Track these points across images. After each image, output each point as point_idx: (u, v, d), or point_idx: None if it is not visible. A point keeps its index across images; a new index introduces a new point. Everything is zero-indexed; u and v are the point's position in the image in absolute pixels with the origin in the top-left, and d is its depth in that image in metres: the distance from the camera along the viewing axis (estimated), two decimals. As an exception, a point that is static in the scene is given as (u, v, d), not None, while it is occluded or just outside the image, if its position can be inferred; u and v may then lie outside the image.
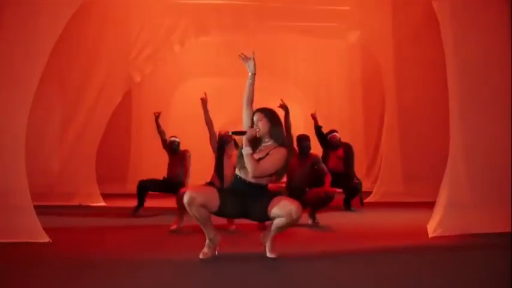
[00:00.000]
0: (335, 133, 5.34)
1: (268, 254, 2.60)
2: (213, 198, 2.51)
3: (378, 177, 6.59)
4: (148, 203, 5.02)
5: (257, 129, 2.57)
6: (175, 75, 8.23)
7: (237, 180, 2.60)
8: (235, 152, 3.62)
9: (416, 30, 6.03)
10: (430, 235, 3.25)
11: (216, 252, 2.66)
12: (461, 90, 3.42)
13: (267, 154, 2.55)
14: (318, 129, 5.34)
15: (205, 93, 3.99)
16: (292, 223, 2.50)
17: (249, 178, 2.56)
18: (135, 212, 4.84)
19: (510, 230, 3.11)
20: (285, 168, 2.59)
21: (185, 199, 2.46)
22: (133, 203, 5.06)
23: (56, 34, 3.38)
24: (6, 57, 3.23)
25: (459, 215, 3.27)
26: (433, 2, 3.56)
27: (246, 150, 2.50)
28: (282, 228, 2.54)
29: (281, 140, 2.60)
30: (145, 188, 4.89)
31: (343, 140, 5.43)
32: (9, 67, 3.23)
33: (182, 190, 3.68)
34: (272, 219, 2.53)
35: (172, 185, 4.90)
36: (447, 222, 3.26)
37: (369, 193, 6.29)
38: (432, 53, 5.86)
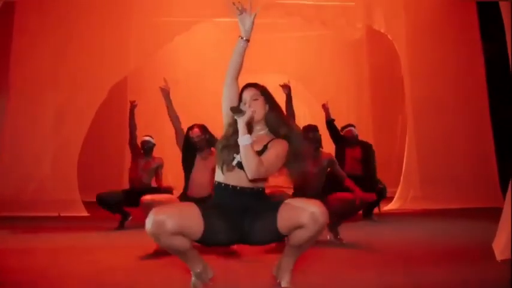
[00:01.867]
0: (351, 128, 4.58)
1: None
2: (193, 219, 1.67)
3: (394, 181, 5.94)
4: (135, 213, 4.20)
5: (254, 110, 1.78)
6: (172, 73, 7.62)
7: (222, 190, 1.78)
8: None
9: (431, 23, 5.56)
10: (499, 258, 2.46)
11: (208, 291, 1.86)
12: None
13: (265, 147, 1.79)
14: (329, 123, 4.58)
15: (164, 80, 3.12)
16: (319, 233, 1.69)
17: (241, 183, 1.76)
18: (120, 227, 3.98)
19: None
20: (297, 166, 1.80)
21: (149, 225, 1.61)
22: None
23: None
24: None
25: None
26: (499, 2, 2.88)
27: (245, 139, 1.69)
28: (305, 246, 1.74)
29: (280, 130, 1.81)
30: (106, 202, 3.90)
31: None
32: None
33: (144, 198, 2.79)
34: (285, 236, 1.72)
35: (136, 196, 3.90)
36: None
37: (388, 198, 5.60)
38: (449, 47, 5.48)
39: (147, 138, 4.26)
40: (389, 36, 6.16)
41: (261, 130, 1.85)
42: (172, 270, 2.34)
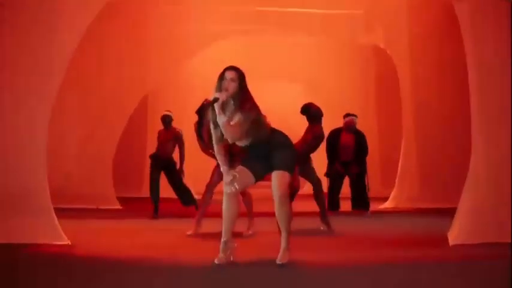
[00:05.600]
0: (353, 117, 5.17)
1: (278, 260, 2.54)
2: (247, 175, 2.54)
3: (393, 182, 6.51)
4: (166, 206, 5.02)
5: (227, 93, 2.43)
6: (191, 79, 8.33)
7: (248, 149, 2.57)
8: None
9: (433, 30, 5.96)
10: (451, 243, 3.17)
11: (231, 258, 2.63)
12: (482, 95, 3.34)
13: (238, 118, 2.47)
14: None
15: None
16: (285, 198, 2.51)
17: (255, 141, 2.52)
18: (154, 215, 4.84)
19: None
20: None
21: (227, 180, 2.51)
22: (148, 206, 5.09)
23: (75, 42, 3.45)
24: (28, 62, 3.29)
25: (482, 223, 3.18)
26: (454, 4, 3.47)
27: (223, 119, 2.42)
28: (283, 220, 2.54)
29: (246, 105, 2.46)
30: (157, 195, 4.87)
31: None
32: (31, 72, 3.29)
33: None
34: None
35: (161, 161, 4.83)
36: (469, 230, 3.18)
37: (384, 198, 6.17)
38: (449, 53, 5.81)
39: (166, 112, 5.07)
40: (388, 52, 6.76)
41: (233, 106, 2.47)
42: (202, 246, 3.14)
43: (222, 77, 2.49)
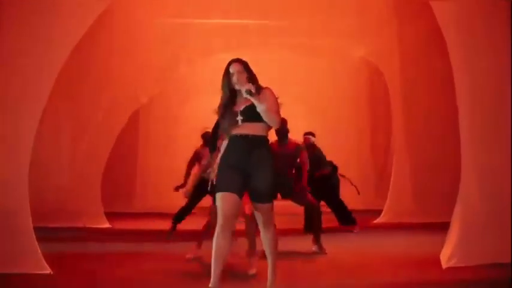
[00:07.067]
0: (309, 136, 4.99)
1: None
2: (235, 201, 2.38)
3: (387, 196, 6.44)
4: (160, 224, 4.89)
5: (253, 87, 2.40)
6: (181, 94, 8.31)
7: (236, 138, 2.42)
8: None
9: (423, 45, 5.98)
10: (444, 266, 3.09)
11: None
12: (471, 109, 3.26)
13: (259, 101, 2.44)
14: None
15: None
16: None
17: (248, 132, 2.41)
18: (168, 236, 4.55)
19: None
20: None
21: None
22: (137, 224, 4.95)
23: (65, 54, 3.32)
24: (16, 75, 3.16)
25: (475, 243, 3.10)
26: (438, 20, 3.43)
27: (263, 106, 2.36)
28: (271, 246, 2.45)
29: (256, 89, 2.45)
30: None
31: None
32: (18, 85, 3.16)
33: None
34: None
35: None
36: (462, 251, 3.09)
37: (377, 211, 6.12)
38: (439, 68, 5.69)
39: (208, 130, 4.52)
40: (380, 68, 6.78)
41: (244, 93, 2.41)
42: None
43: (228, 72, 2.46)
